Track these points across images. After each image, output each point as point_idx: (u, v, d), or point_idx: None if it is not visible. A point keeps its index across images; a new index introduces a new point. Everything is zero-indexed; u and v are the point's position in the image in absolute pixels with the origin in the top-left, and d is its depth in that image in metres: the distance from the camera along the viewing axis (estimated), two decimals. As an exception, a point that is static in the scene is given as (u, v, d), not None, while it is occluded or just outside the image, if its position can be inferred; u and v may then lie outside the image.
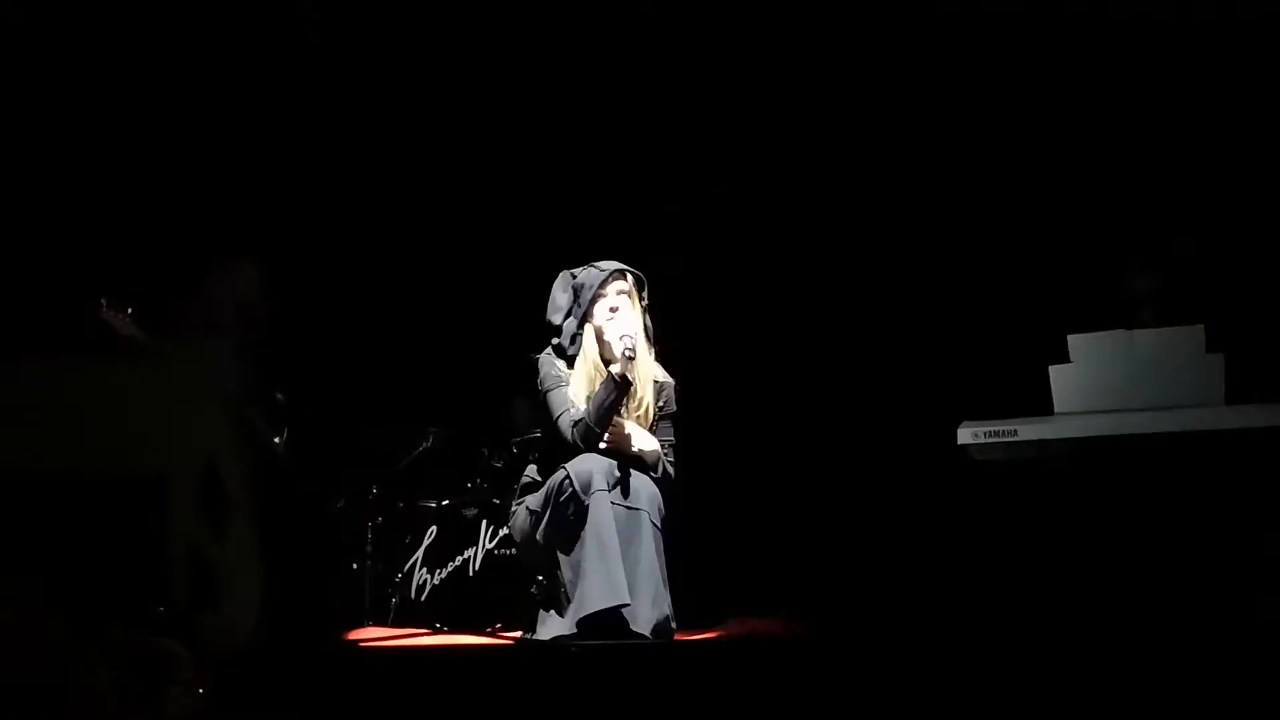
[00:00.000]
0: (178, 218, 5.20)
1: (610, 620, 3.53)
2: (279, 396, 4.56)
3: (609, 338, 3.83)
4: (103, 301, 4.23)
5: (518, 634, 4.25)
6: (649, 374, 3.92)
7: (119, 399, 2.32)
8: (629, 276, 3.93)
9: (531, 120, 5.92)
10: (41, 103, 5.05)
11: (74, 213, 5.04)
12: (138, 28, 5.16)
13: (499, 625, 4.76)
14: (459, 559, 5.05)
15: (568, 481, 3.65)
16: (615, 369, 3.77)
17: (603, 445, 3.78)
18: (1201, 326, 3.36)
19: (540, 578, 4.00)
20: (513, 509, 3.99)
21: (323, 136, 5.54)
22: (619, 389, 3.76)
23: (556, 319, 3.97)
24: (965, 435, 3.39)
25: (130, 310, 4.26)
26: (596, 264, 3.95)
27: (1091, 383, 3.39)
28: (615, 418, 3.80)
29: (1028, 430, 3.33)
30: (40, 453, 2.22)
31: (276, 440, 4.45)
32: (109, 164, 5.14)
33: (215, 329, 4.39)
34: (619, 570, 3.55)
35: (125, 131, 5.20)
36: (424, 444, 5.45)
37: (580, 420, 3.77)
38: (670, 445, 3.97)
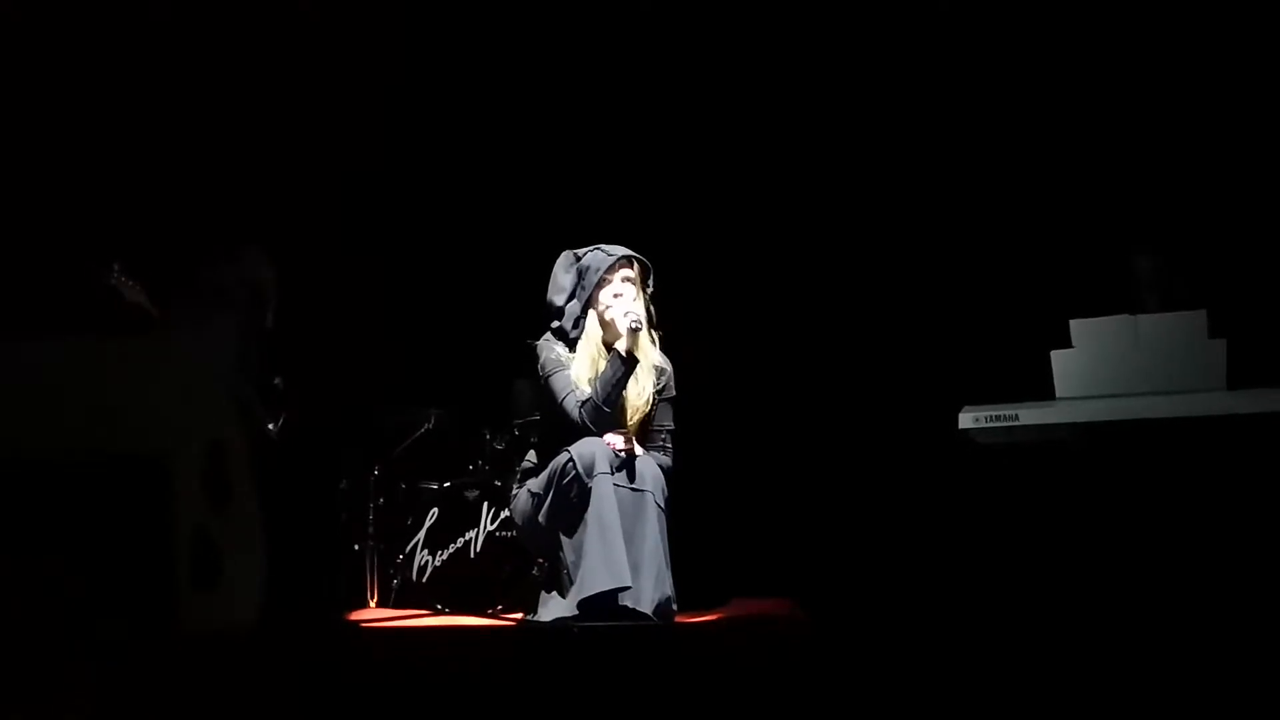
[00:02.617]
0: (184, 201, 5.20)
1: (611, 602, 3.54)
2: (277, 382, 4.56)
3: (613, 317, 3.83)
4: (115, 266, 4.23)
5: (519, 615, 4.26)
6: (650, 360, 3.91)
7: (121, 376, 2.31)
8: (635, 264, 3.92)
9: (531, 103, 5.90)
10: (51, 92, 5.06)
11: (78, 194, 5.05)
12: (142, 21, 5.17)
13: (500, 607, 4.78)
14: (460, 541, 5.06)
15: (571, 464, 3.66)
16: (621, 345, 3.78)
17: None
18: (1204, 311, 3.36)
19: (541, 560, 4.01)
20: (514, 492, 3.99)
21: (325, 121, 5.53)
22: (626, 366, 3.76)
23: (559, 300, 3.95)
24: (966, 419, 3.39)
25: (141, 280, 4.27)
26: (603, 247, 3.93)
27: (1093, 367, 3.39)
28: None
29: (1029, 415, 3.33)
30: (39, 431, 2.22)
31: (271, 426, 4.46)
32: (117, 145, 5.15)
33: (220, 310, 4.39)
34: (620, 552, 3.56)
35: (134, 115, 5.21)
36: (425, 425, 5.46)
37: (588, 400, 3.77)
38: (669, 431, 3.97)
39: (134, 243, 4.77)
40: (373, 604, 5.09)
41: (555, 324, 3.95)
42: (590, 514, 3.61)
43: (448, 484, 5.20)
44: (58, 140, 5.05)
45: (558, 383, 3.83)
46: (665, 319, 4.02)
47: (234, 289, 4.44)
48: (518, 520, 3.94)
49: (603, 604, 3.54)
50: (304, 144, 5.48)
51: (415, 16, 5.67)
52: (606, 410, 3.76)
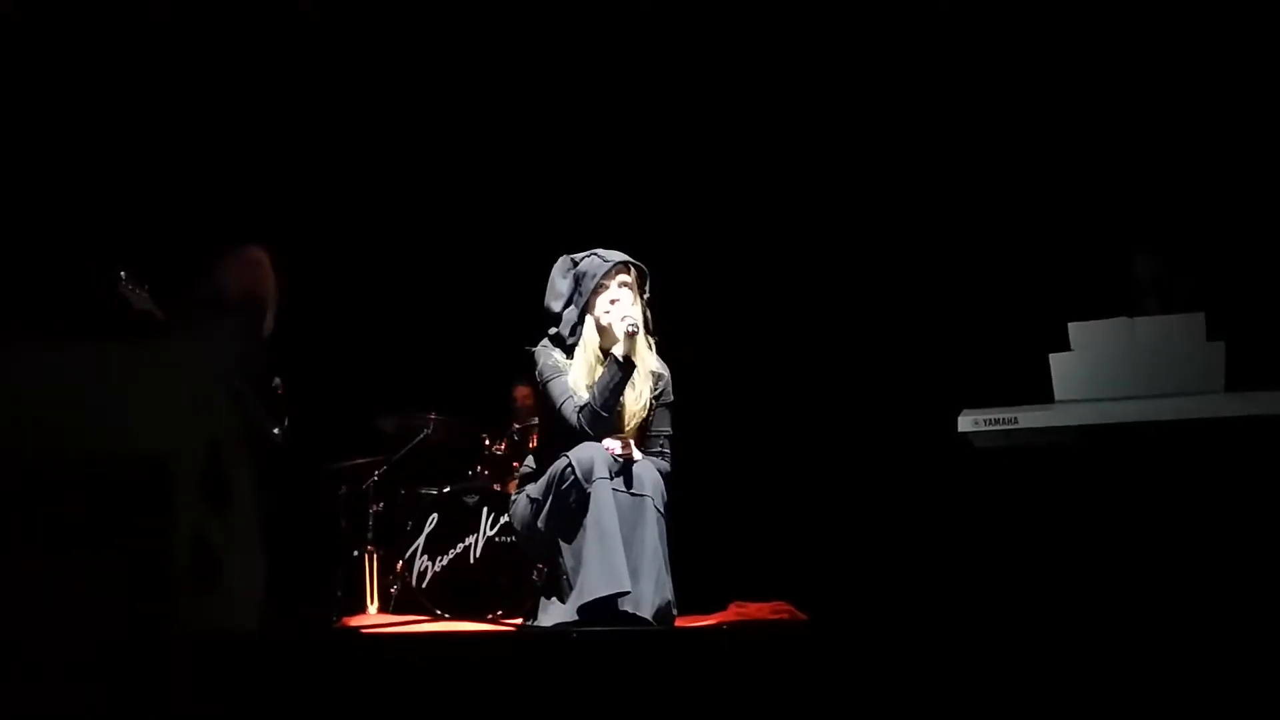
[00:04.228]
0: (185, 203, 5.21)
1: (611, 607, 3.54)
2: (277, 382, 4.54)
3: (609, 322, 3.83)
4: (121, 274, 4.24)
5: (518, 621, 4.26)
6: (647, 365, 3.91)
7: (122, 380, 2.32)
8: (632, 269, 3.91)
9: (530, 107, 5.91)
10: (50, 94, 5.07)
11: (79, 196, 5.05)
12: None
13: (500, 612, 4.78)
14: (460, 546, 5.06)
15: (570, 469, 3.65)
16: (619, 350, 3.77)
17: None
18: (1202, 314, 3.36)
19: (541, 565, 4.00)
20: (513, 497, 3.99)
21: (325, 125, 5.53)
22: (623, 370, 3.75)
23: (556, 306, 3.95)
24: (965, 423, 3.39)
25: (147, 286, 4.28)
26: (600, 252, 3.92)
27: (1091, 370, 3.39)
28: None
29: (1028, 418, 3.33)
30: (41, 433, 2.23)
31: (276, 431, 4.45)
32: (118, 147, 5.16)
33: (219, 314, 4.38)
34: (620, 558, 3.55)
35: (134, 116, 5.21)
36: (425, 431, 5.46)
37: (585, 405, 3.76)
38: (667, 436, 3.96)
39: (134, 244, 4.77)
40: (372, 609, 5.10)
41: (553, 330, 3.94)
42: (589, 519, 3.61)
43: (447, 489, 5.21)
44: (58, 142, 5.05)
45: (555, 389, 3.82)
46: (663, 323, 4.02)
47: (232, 293, 4.43)
48: (517, 526, 3.94)
49: (603, 609, 3.53)
50: (304, 145, 5.48)
51: (415, 17, 5.67)
52: (604, 415, 3.76)
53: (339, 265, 5.62)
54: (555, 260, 4.00)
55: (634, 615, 3.55)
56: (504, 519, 5.03)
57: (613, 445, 3.75)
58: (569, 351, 3.90)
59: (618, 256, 3.89)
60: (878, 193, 5.48)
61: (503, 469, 5.47)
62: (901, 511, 5.06)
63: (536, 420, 4.70)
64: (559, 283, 3.96)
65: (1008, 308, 4.99)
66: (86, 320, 4.51)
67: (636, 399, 3.87)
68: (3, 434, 2.17)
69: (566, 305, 3.94)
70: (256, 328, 4.47)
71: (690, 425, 4.09)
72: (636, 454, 3.82)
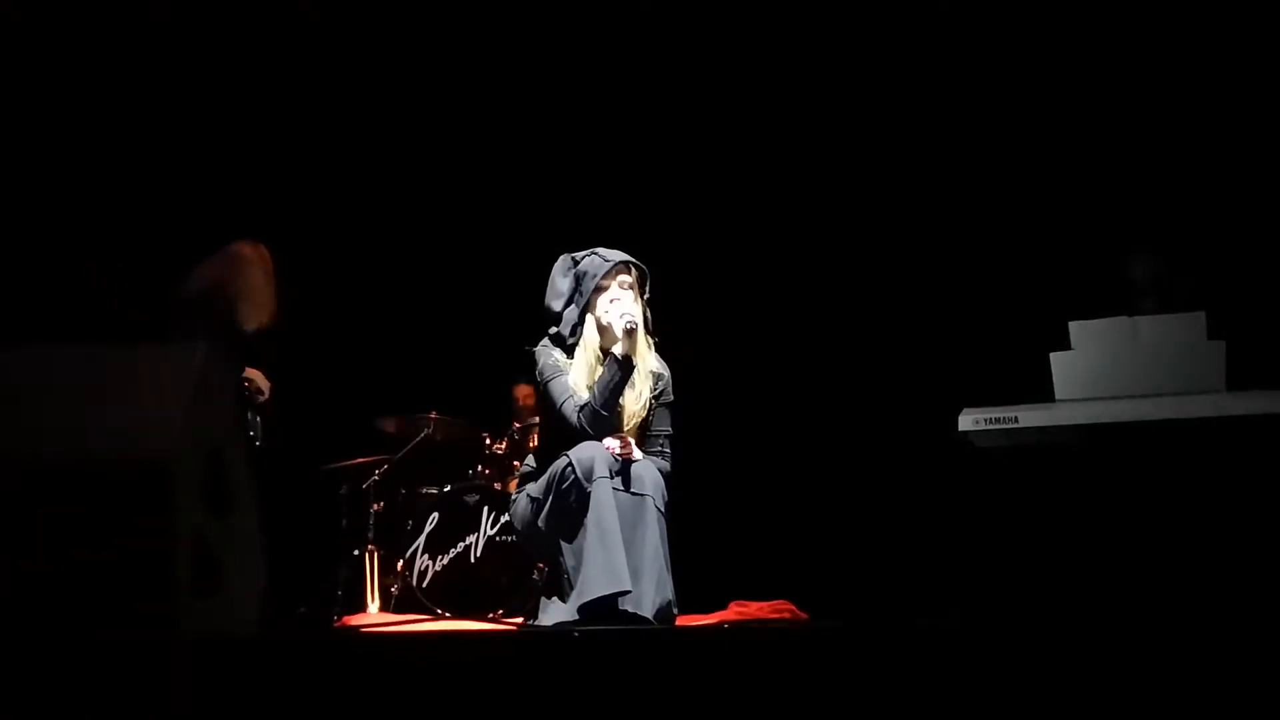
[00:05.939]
0: (184, 204, 5.21)
1: (611, 606, 3.54)
2: (249, 377, 4.50)
3: (609, 321, 3.83)
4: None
5: (519, 620, 4.26)
6: (648, 364, 3.91)
7: (124, 382, 2.32)
8: (633, 269, 3.91)
9: (531, 106, 5.91)
10: (50, 94, 5.07)
11: (80, 197, 5.06)
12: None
13: (500, 611, 4.78)
14: (460, 545, 5.06)
15: (570, 469, 3.66)
16: (618, 349, 3.77)
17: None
18: (1203, 313, 3.36)
19: (542, 564, 4.00)
20: (513, 496, 3.99)
21: (324, 123, 5.53)
22: (623, 369, 3.76)
23: (556, 305, 3.95)
24: (966, 422, 3.39)
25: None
26: (600, 251, 3.92)
27: (1092, 369, 3.39)
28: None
29: (1028, 417, 3.32)
30: (44, 436, 2.23)
31: (250, 433, 4.43)
32: (117, 147, 5.16)
33: (186, 308, 4.35)
34: (620, 557, 3.56)
35: (134, 115, 5.22)
36: (425, 430, 5.46)
37: (586, 405, 3.76)
38: (667, 436, 3.96)
39: (135, 245, 4.77)
40: (373, 608, 5.10)
41: (553, 329, 3.94)
42: (590, 519, 3.61)
43: (448, 489, 5.21)
44: (58, 142, 5.06)
45: (556, 388, 3.82)
46: (664, 323, 4.02)
47: (200, 288, 4.40)
48: (517, 525, 3.94)
49: (603, 608, 3.53)
50: (304, 145, 5.49)
51: (415, 16, 5.68)
52: (605, 415, 3.76)
53: (339, 265, 5.62)
54: (555, 259, 4.00)
55: (635, 615, 3.55)
56: (504, 518, 5.03)
57: (613, 445, 3.75)
58: (569, 351, 3.90)
59: (618, 256, 3.89)
60: (878, 193, 5.48)
61: (503, 468, 5.48)
62: (902, 511, 5.06)
63: (537, 420, 4.70)
64: (559, 282, 3.96)
65: (1008, 308, 4.99)
66: (87, 320, 4.51)
67: (637, 398, 3.88)
68: (3, 434, 2.18)
69: (567, 305, 3.94)
70: (224, 323, 4.41)
71: (690, 425, 4.09)
72: (637, 453, 3.82)
